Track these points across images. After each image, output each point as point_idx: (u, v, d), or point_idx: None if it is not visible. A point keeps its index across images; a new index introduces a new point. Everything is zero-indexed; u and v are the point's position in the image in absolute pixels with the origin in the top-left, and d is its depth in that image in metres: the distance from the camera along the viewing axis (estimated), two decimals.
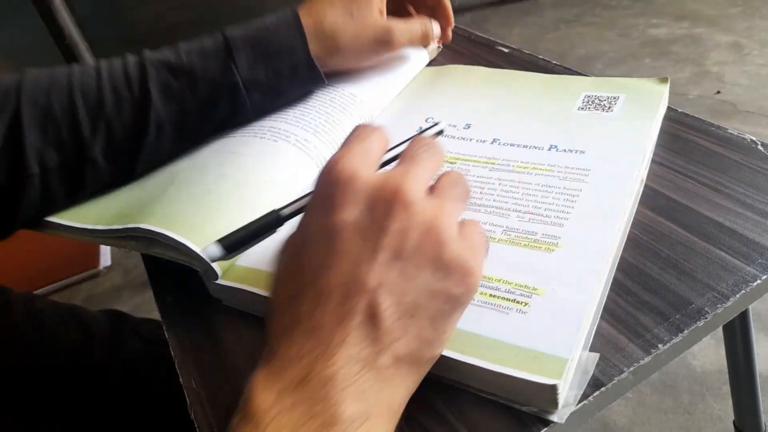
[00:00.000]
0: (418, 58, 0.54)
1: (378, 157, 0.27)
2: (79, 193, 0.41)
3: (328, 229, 0.23)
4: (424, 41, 0.49)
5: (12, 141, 0.38)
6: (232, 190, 0.38)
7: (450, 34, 0.54)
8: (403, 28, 0.47)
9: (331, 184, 0.24)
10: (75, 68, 0.42)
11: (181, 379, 0.33)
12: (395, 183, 0.24)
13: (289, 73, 0.43)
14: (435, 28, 0.50)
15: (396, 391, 0.23)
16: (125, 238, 0.38)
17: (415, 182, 0.24)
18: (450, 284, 0.24)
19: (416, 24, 0.48)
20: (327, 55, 0.44)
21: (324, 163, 0.27)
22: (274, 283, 0.25)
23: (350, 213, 0.23)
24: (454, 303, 0.24)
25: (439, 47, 0.57)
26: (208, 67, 0.41)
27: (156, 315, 0.39)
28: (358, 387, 0.21)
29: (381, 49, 0.47)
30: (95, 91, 0.40)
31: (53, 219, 0.41)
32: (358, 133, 0.27)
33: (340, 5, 0.44)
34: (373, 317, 0.22)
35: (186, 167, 0.42)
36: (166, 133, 0.41)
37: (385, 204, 0.23)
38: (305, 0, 0.46)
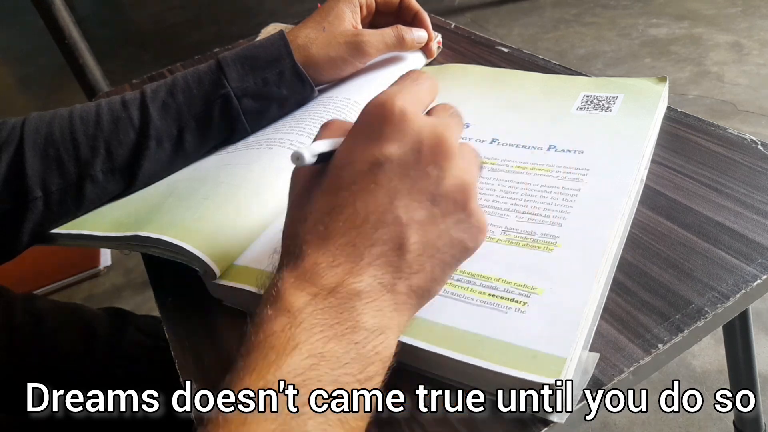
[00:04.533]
0: (414, 59, 0.54)
1: (427, 103, 0.29)
2: (80, 209, 0.43)
3: (374, 158, 0.25)
4: (400, 45, 0.51)
5: (15, 169, 0.41)
6: (227, 195, 0.39)
7: (433, 48, 0.55)
8: (374, 34, 0.49)
9: (382, 117, 0.26)
10: (76, 105, 0.45)
11: (181, 380, 0.33)
12: (442, 132, 0.26)
13: (276, 79, 0.46)
14: (415, 32, 0.52)
15: (402, 317, 0.25)
16: (124, 243, 0.38)
17: (456, 135, 0.27)
18: (467, 237, 0.27)
19: (388, 30, 0.50)
20: (305, 66, 0.47)
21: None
22: (308, 196, 0.27)
23: (396, 149, 0.25)
24: (463, 254, 0.27)
25: (438, 47, 0.57)
26: (202, 84, 0.45)
27: (157, 314, 0.39)
28: (377, 305, 0.24)
29: (354, 54, 0.49)
30: (94, 116, 0.43)
31: (55, 231, 0.42)
32: (412, 75, 0.29)
33: (312, 23, 0.49)
34: (400, 248, 0.25)
35: (184, 180, 0.43)
36: (164, 148, 0.44)
37: (429, 149, 0.26)
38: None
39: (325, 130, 0.30)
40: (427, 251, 0.26)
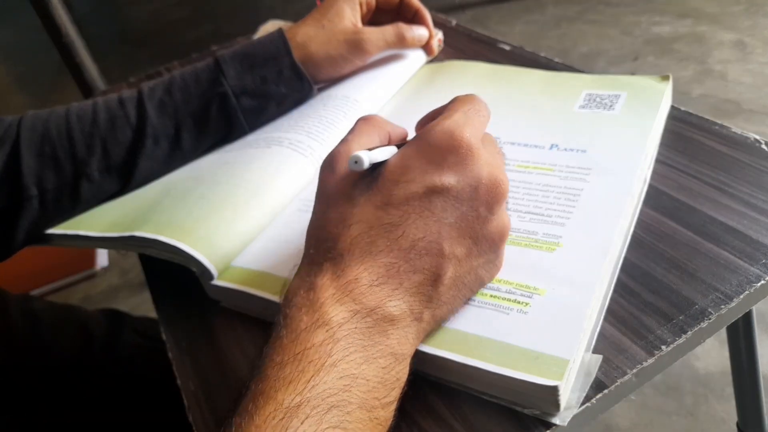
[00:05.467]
0: (415, 57, 0.54)
1: (483, 132, 0.29)
2: (76, 208, 0.42)
3: (432, 184, 0.26)
4: (401, 43, 0.51)
5: (11, 166, 0.40)
6: (225, 194, 0.39)
7: (434, 45, 0.55)
8: (374, 32, 0.49)
9: (450, 146, 0.26)
10: (73, 103, 0.45)
11: (178, 381, 0.32)
12: (499, 175, 0.27)
13: (275, 77, 0.45)
14: (415, 30, 0.51)
15: (417, 343, 0.26)
16: (121, 243, 0.38)
17: (508, 181, 0.27)
18: (488, 275, 0.28)
19: (389, 28, 0.50)
20: (304, 64, 0.46)
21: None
22: (349, 199, 0.27)
23: (456, 181, 0.26)
24: (480, 288, 0.29)
25: (439, 45, 0.57)
26: (199, 82, 0.44)
27: (154, 315, 0.39)
28: (405, 332, 0.25)
29: (354, 52, 0.48)
30: (90, 114, 0.43)
31: (51, 231, 0.41)
32: (475, 105, 0.29)
33: (312, 21, 0.48)
34: (436, 280, 0.26)
35: (181, 179, 0.43)
36: (162, 147, 0.43)
37: (486, 189, 0.26)
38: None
39: (365, 124, 0.30)
40: (456, 285, 0.27)
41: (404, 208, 0.25)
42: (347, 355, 0.23)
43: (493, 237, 0.27)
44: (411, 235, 0.25)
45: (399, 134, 0.32)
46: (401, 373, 0.24)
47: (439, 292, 0.26)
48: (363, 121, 0.30)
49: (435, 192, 0.26)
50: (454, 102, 0.29)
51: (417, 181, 0.26)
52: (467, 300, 0.28)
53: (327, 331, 0.23)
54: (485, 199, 0.26)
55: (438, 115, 0.29)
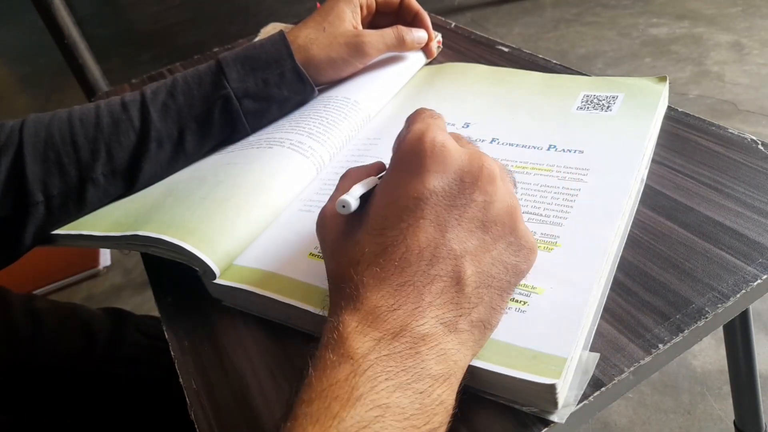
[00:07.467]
0: (414, 58, 0.54)
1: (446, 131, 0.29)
2: (82, 211, 0.43)
3: (418, 193, 0.25)
4: (400, 46, 0.51)
5: (15, 174, 0.41)
6: (227, 194, 0.39)
7: (434, 48, 0.55)
8: (374, 35, 0.49)
9: (421, 151, 0.26)
10: (75, 106, 0.45)
11: (181, 380, 0.33)
12: (480, 158, 0.26)
13: (277, 80, 0.46)
14: (415, 33, 0.52)
15: (466, 354, 0.25)
16: (124, 243, 0.38)
17: (493, 160, 0.27)
18: (519, 260, 0.27)
19: (389, 31, 0.50)
20: (306, 67, 0.47)
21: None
22: (351, 239, 0.27)
23: (440, 181, 0.26)
24: (517, 277, 0.27)
25: (438, 47, 0.57)
26: (202, 85, 0.44)
27: (156, 314, 0.39)
28: (441, 348, 0.23)
29: (354, 55, 0.49)
30: (93, 118, 0.43)
31: (56, 231, 0.42)
32: (427, 112, 0.30)
33: (313, 23, 0.49)
34: (458, 283, 0.25)
35: (184, 179, 0.43)
36: (165, 149, 0.44)
37: (473, 177, 0.26)
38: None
39: (345, 179, 0.31)
40: (484, 281, 0.25)
41: (401, 226, 0.25)
42: (375, 386, 0.21)
43: (501, 218, 0.26)
44: (415, 248, 0.25)
45: (377, 167, 0.32)
46: (445, 395, 0.23)
47: (465, 294, 0.25)
48: (342, 177, 0.31)
49: (423, 198, 0.25)
50: (407, 120, 0.30)
51: (403, 196, 0.26)
52: (506, 293, 0.27)
53: (351, 364, 0.22)
54: (476, 186, 0.26)
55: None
